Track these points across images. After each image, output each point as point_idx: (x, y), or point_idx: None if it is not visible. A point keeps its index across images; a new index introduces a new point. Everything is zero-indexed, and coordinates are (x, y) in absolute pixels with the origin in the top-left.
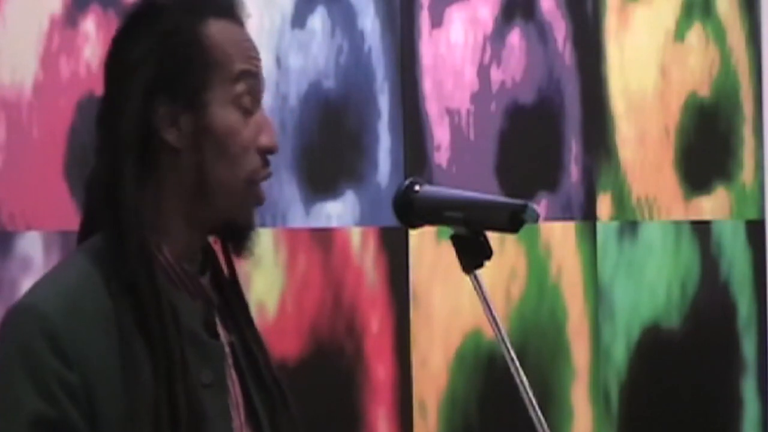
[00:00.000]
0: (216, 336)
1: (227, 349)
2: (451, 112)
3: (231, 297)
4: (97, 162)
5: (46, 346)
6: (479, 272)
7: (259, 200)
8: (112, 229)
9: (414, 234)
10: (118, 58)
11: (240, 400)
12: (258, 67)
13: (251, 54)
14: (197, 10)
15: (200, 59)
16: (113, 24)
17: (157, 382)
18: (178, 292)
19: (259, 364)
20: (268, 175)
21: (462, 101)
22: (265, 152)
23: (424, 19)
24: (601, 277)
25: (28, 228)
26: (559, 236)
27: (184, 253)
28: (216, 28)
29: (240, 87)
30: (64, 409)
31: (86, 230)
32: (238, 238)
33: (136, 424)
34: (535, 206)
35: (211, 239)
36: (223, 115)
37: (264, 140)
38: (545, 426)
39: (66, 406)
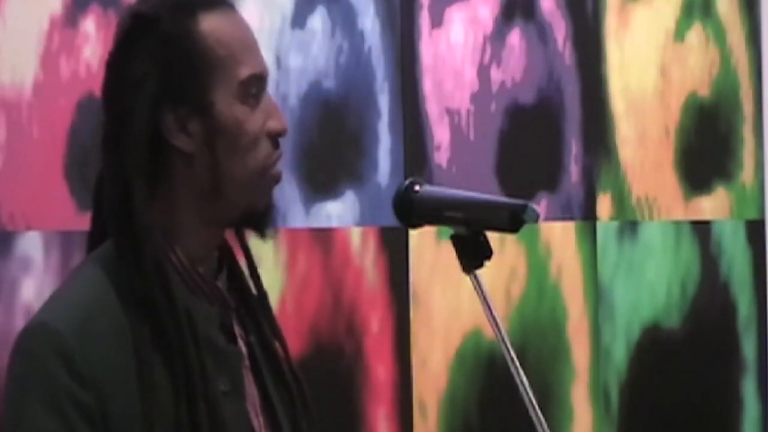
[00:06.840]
0: (233, 340)
1: (244, 351)
2: (451, 112)
3: (249, 292)
4: (106, 174)
5: (60, 365)
6: (479, 272)
7: (276, 180)
8: (125, 243)
9: (414, 234)
10: (118, 76)
11: (258, 402)
12: (257, 52)
13: (248, 41)
14: (186, 9)
15: (199, 61)
16: (113, 24)
17: (177, 397)
18: (194, 298)
19: (279, 360)
20: (279, 156)
21: (462, 101)
22: (275, 136)
23: (424, 19)
24: (601, 277)
25: (28, 228)
26: (559, 236)
27: (200, 254)
28: (209, 24)
29: (244, 81)
30: (77, 430)
31: (95, 237)
32: (259, 222)
33: None
34: (535, 206)
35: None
36: (230, 111)
37: (272, 125)
38: (545, 426)
39: (79, 426)
